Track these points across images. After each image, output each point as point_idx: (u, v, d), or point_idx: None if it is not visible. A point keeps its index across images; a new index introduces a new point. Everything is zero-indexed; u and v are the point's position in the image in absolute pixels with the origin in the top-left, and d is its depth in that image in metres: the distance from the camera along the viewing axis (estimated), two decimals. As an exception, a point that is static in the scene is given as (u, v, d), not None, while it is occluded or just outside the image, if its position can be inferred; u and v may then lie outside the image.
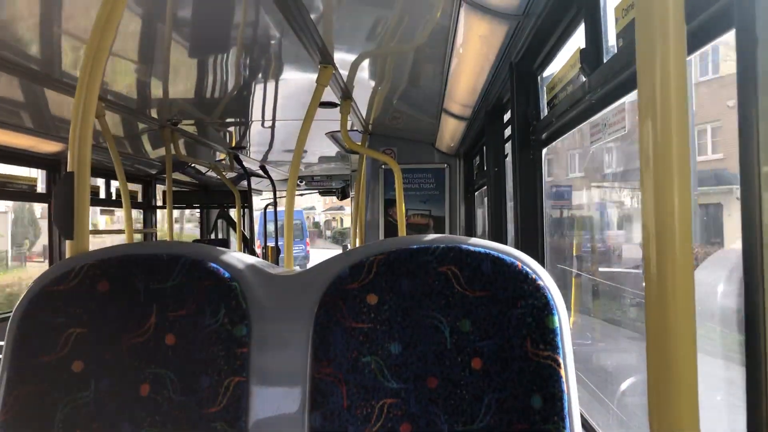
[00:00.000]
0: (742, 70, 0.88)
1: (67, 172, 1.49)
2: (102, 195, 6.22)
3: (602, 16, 1.70)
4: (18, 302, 1.33)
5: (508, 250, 1.30)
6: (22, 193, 4.85)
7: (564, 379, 1.20)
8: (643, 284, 0.75)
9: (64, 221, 1.47)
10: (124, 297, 1.34)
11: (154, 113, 4.33)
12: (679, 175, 0.71)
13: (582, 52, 1.76)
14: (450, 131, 4.40)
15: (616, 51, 1.56)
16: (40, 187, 5.01)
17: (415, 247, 1.31)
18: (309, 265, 1.46)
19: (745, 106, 0.86)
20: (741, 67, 0.88)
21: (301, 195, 12.50)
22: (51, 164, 4.98)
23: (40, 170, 5.02)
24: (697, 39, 1.11)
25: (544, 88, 2.42)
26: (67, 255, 1.46)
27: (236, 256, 1.41)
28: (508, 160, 3.23)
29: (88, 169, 1.51)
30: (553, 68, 2.30)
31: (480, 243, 1.31)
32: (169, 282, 1.35)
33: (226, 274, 1.34)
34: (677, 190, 0.71)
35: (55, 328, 1.31)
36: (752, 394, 0.97)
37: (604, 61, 1.67)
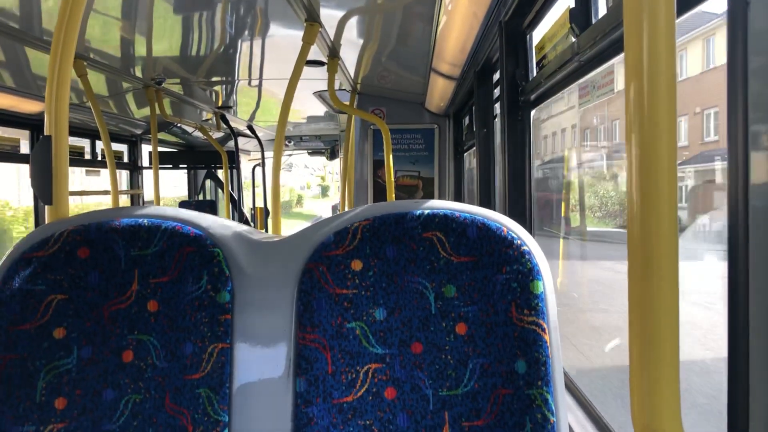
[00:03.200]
0: (733, 34, 0.86)
1: (44, 136, 1.45)
2: (87, 156, 6.15)
3: (592, -26, 1.66)
4: None
5: (493, 216, 1.29)
6: (5, 154, 4.78)
7: (548, 344, 1.21)
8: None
9: (43, 186, 1.44)
10: (105, 263, 1.33)
11: (137, 72, 4.25)
12: (666, 139, 0.69)
13: (571, 11, 1.72)
14: (439, 91, 4.35)
15: (605, 11, 1.53)
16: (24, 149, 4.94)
17: (400, 212, 1.30)
18: None
19: (733, 88, 0.84)
20: (732, 30, 0.86)
21: (290, 155, 12.41)
22: (34, 124, 4.90)
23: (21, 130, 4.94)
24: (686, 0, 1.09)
25: (534, 48, 2.38)
26: (47, 220, 1.43)
27: (219, 222, 1.39)
28: (498, 121, 3.19)
29: (65, 132, 1.48)
30: (543, 28, 2.25)
31: (466, 208, 1.29)
32: (150, 248, 1.33)
33: (208, 241, 1.33)
34: (664, 154, 0.69)
35: (35, 295, 1.29)
36: (733, 395, 0.97)
37: (594, 21, 1.64)
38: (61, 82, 1.46)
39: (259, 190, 8.83)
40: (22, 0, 2.67)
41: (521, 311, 1.21)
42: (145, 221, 1.35)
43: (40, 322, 1.29)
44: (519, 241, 1.25)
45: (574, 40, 1.73)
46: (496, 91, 3.29)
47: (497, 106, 3.24)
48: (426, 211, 1.29)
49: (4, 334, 1.27)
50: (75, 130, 5.69)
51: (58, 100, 1.46)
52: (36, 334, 1.28)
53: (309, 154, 11.56)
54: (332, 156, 11.03)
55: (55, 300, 1.30)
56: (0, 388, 1.25)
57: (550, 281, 1.25)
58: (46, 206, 1.46)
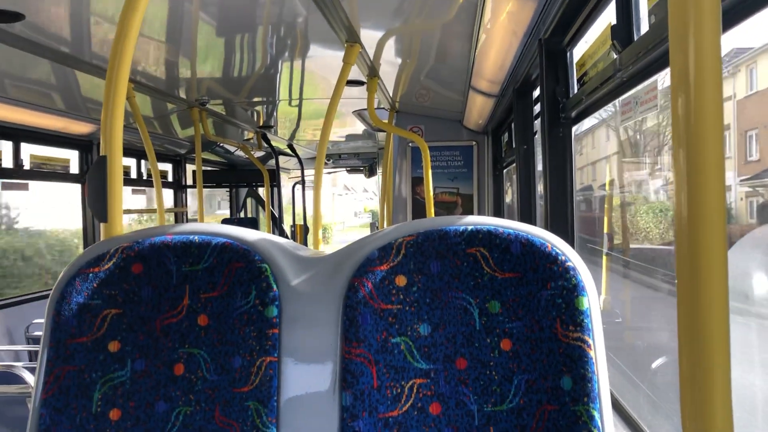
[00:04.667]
0: None
1: (100, 156, 1.51)
2: (133, 175, 6.32)
3: (634, -9, 1.67)
4: (56, 284, 1.37)
5: (537, 232, 1.29)
6: (56, 174, 4.94)
7: (594, 361, 1.20)
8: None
9: (98, 204, 1.50)
10: (158, 279, 1.37)
11: (182, 93, 4.37)
12: (712, 155, 0.69)
13: (613, 28, 1.73)
14: (478, 108, 4.36)
15: (648, 28, 1.53)
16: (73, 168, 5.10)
17: (444, 228, 1.31)
18: None
19: None
20: None
21: (329, 173, 12.52)
22: (83, 145, 5.06)
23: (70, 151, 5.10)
24: (732, 15, 1.08)
25: (574, 65, 2.38)
26: (102, 237, 1.49)
27: (266, 239, 1.42)
28: (538, 137, 3.19)
29: (120, 153, 1.53)
30: (584, 45, 2.26)
31: (509, 224, 1.30)
32: (201, 264, 1.37)
33: (257, 257, 1.36)
34: (711, 170, 0.69)
35: (91, 309, 1.34)
36: None
37: (636, 38, 1.64)
38: (115, 105, 1.52)
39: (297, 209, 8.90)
40: (74, 26, 2.78)
41: (566, 327, 1.21)
42: (196, 238, 1.39)
43: (96, 335, 1.34)
44: (563, 257, 1.25)
45: (616, 56, 1.73)
46: (536, 108, 3.29)
47: (537, 122, 3.24)
48: (469, 227, 1.30)
49: (63, 346, 1.32)
50: (122, 151, 5.85)
51: (112, 121, 1.52)
52: (92, 347, 1.33)
53: (348, 171, 11.64)
54: (371, 173, 11.09)
55: (110, 314, 1.35)
56: (59, 398, 1.30)
57: (595, 297, 1.24)
58: (101, 224, 1.52)
